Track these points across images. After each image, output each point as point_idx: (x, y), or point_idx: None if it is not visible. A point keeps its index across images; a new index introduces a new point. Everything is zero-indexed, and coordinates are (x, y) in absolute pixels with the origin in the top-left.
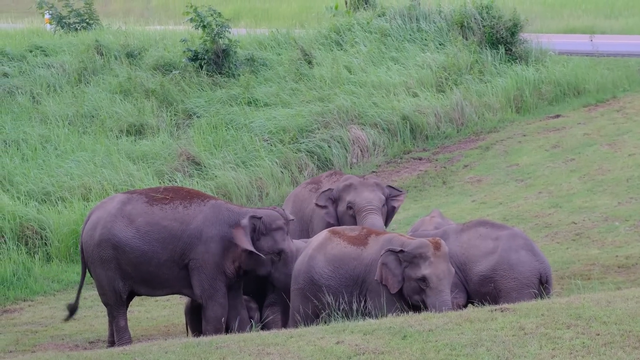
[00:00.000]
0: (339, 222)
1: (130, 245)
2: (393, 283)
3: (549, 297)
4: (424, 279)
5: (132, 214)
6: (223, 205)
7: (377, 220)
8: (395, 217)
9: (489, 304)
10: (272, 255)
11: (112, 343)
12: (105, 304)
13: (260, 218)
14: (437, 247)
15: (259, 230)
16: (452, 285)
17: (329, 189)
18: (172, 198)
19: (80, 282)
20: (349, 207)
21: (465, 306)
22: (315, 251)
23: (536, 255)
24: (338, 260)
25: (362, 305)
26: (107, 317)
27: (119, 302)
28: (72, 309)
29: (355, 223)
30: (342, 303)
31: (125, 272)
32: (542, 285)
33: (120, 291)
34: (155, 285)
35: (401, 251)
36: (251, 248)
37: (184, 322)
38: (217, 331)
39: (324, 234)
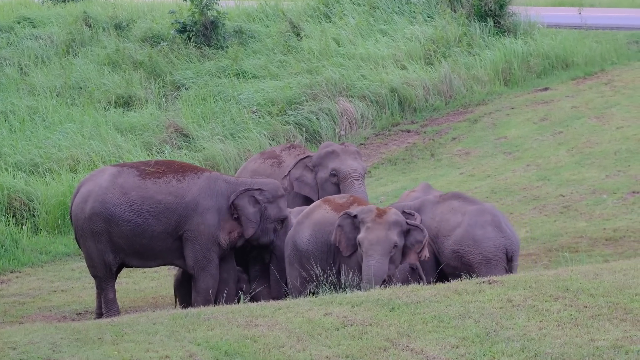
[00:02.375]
0: (319, 189)
1: (124, 218)
2: (347, 246)
3: (512, 273)
4: (359, 243)
5: (125, 187)
6: (219, 177)
7: (363, 187)
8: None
9: (461, 278)
10: (276, 223)
11: (99, 315)
12: (94, 276)
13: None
14: (380, 214)
15: (266, 199)
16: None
17: (308, 156)
18: (164, 172)
19: None
20: (333, 175)
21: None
22: (302, 217)
23: (502, 232)
24: (318, 225)
25: (333, 274)
26: (95, 289)
27: (109, 275)
28: None
29: (338, 190)
30: (319, 270)
31: (116, 244)
32: (508, 262)
33: (111, 264)
34: (148, 257)
35: (355, 216)
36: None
37: (173, 294)
38: (206, 302)
39: (316, 202)
